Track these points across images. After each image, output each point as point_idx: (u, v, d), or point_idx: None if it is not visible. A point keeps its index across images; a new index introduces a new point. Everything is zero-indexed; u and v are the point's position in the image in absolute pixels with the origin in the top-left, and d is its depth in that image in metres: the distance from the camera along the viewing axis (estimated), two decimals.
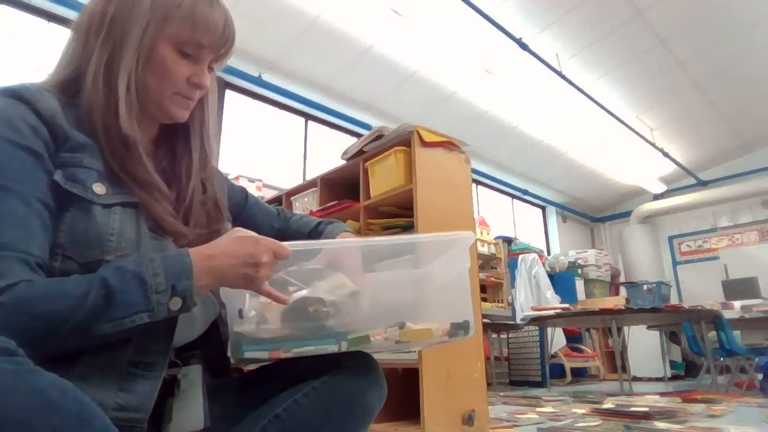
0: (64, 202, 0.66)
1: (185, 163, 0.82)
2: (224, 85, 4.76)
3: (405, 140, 2.13)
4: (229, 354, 0.76)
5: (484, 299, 5.76)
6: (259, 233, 0.71)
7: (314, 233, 1.00)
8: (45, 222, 0.64)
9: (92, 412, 0.50)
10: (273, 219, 1.04)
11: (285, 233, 1.02)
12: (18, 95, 0.66)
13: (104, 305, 0.59)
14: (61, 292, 0.59)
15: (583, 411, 2.82)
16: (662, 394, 3.78)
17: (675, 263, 8.40)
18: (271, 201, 3.15)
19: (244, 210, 1.00)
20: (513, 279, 5.93)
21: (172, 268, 0.64)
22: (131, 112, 0.72)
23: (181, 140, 0.84)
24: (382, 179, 2.22)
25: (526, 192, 7.96)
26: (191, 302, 0.64)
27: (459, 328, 0.82)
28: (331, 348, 0.75)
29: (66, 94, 0.72)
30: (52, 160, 0.66)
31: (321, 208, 2.53)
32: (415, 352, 1.86)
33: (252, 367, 0.87)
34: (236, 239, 0.68)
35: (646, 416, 2.45)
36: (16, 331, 0.50)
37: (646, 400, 3.41)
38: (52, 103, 0.68)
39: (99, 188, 0.68)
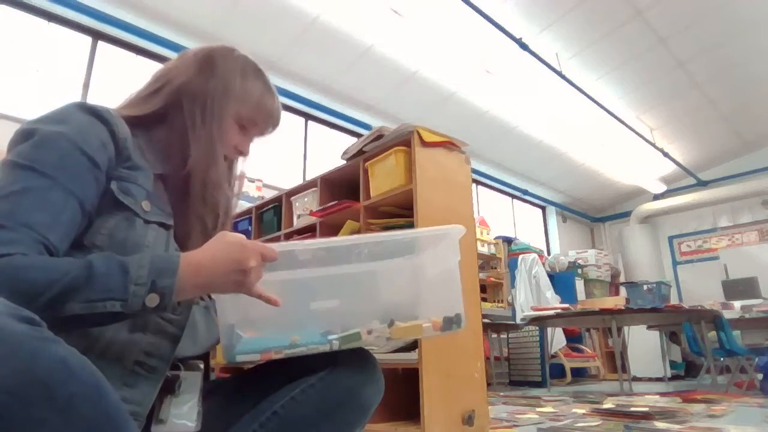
0: (112, 209, 0.72)
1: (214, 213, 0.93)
2: None
3: (405, 140, 2.13)
4: (220, 357, 0.77)
5: (484, 299, 5.76)
6: None
7: None
8: (75, 219, 0.68)
9: (107, 387, 0.52)
10: None
11: None
12: (101, 116, 0.74)
13: (82, 285, 0.60)
14: (48, 265, 0.61)
15: (583, 411, 2.82)
16: (662, 394, 3.78)
17: (675, 263, 8.40)
18: (271, 201, 3.15)
19: None
20: (513, 279, 5.93)
21: (158, 264, 0.65)
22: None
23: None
24: (382, 179, 2.22)
25: (526, 192, 7.97)
26: (169, 302, 0.64)
27: (452, 322, 0.83)
28: (323, 348, 0.76)
29: (136, 125, 0.81)
30: (109, 173, 0.73)
31: (321, 208, 2.53)
32: (414, 351, 1.86)
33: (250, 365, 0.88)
34: (224, 244, 0.68)
35: (646, 416, 2.45)
36: (1, 294, 0.52)
37: (646, 400, 3.41)
38: (126, 131, 0.77)
39: (146, 205, 0.76)
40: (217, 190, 0.86)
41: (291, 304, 0.75)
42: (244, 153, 0.94)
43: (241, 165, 1.01)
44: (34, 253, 0.62)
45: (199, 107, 0.85)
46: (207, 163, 0.84)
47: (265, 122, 0.93)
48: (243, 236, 0.70)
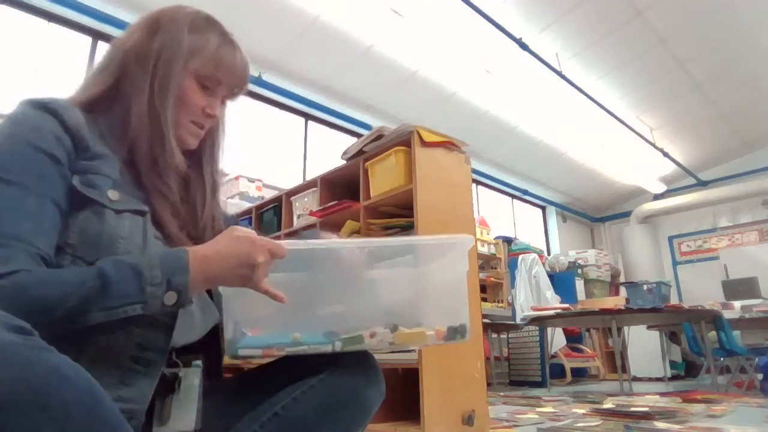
0: (79, 204, 0.69)
1: (200, 192, 0.88)
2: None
3: (405, 140, 2.13)
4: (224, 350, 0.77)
5: (484, 299, 5.76)
6: None
7: None
8: (55, 221, 0.67)
9: (102, 393, 0.52)
10: None
11: None
12: (48, 108, 0.71)
13: (99, 294, 0.60)
14: (58, 279, 0.61)
15: (583, 411, 2.82)
16: (662, 394, 3.78)
17: (675, 263, 8.40)
18: (271, 201, 3.15)
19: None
20: (513, 279, 5.93)
21: (169, 263, 0.65)
22: (175, 141, 0.80)
23: (194, 170, 0.89)
24: (382, 179, 2.22)
25: (526, 192, 7.97)
26: (186, 298, 0.66)
27: (456, 332, 0.82)
28: (325, 348, 0.75)
29: (92, 110, 0.77)
30: (70, 167, 0.70)
31: (321, 208, 2.53)
32: (414, 352, 1.86)
33: (251, 364, 0.88)
34: (233, 239, 0.69)
35: (646, 416, 2.45)
36: (12, 313, 0.51)
37: (646, 400, 3.41)
38: (79, 119, 0.73)
39: (113, 194, 0.72)
40: (170, 157, 0.78)
41: (295, 305, 0.75)
42: (213, 116, 0.85)
43: (223, 144, 0.93)
44: (34, 266, 0.61)
45: (144, 70, 0.78)
46: (151, 128, 0.77)
47: (229, 78, 0.85)
48: (252, 231, 0.71)
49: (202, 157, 0.90)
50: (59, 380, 0.48)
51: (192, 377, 0.77)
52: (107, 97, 0.79)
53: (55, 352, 0.50)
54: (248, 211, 3.30)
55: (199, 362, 0.79)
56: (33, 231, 0.63)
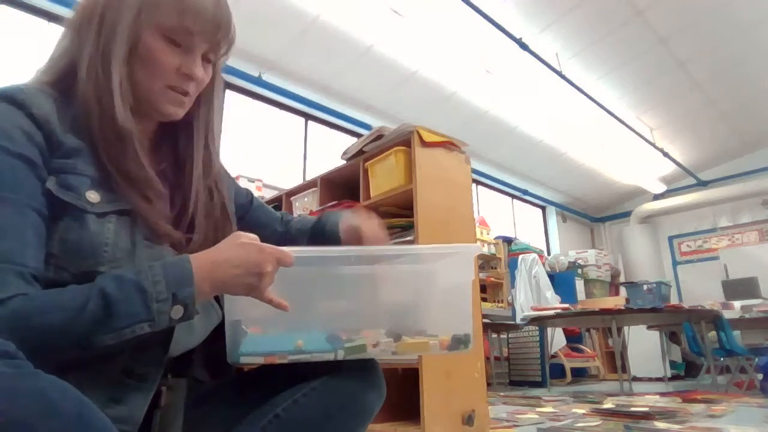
0: (57, 210, 0.64)
1: (188, 166, 0.79)
2: (224, 85, 4.75)
3: (405, 140, 2.13)
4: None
5: (484, 299, 5.76)
6: (261, 236, 0.69)
7: (317, 229, 0.98)
8: (40, 232, 0.62)
9: (92, 414, 0.49)
10: (276, 223, 1.01)
11: (286, 237, 1.00)
12: (13, 99, 0.64)
13: (104, 316, 0.57)
14: (58, 304, 0.57)
15: (583, 411, 2.82)
16: (662, 394, 3.78)
17: (675, 263, 8.40)
18: (271, 201, 3.15)
19: (248, 213, 0.97)
20: (513, 279, 5.93)
21: (173, 276, 0.61)
22: (125, 104, 0.69)
23: (183, 141, 0.80)
24: (382, 179, 2.22)
25: (526, 192, 7.96)
26: (193, 310, 0.62)
27: (459, 342, 0.82)
28: (328, 356, 0.75)
29: (60, 90, 0.70)
30: (45, 166, 0.64)
31: (321, 208, 2.53)
32: None
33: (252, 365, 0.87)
34: (239, 246, 0.66)
35: (646, 416, 2.45)
36: (15, 344, 0.49)
37: (646, 400, 3.41)
38: (47, 107, 0.66)
39: (93, 196, 0.66)
40: (116, 123, 0.68)
41: (298, 302, 0.74)
42: (191, 75, 0.73)
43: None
44: (29, 288, 0.57)
45: (90, 31, 0.69)
46: (96, 97, 0.67)
47: (200, 25, 0.71)
48: (257, 237, 0.68)
49: (193, 128, 0.80)
50: (45, 409, 0.45)
51: (177, 387, 0.74)
52: (69, 74, 0.70)
53: (41, 375, 0.47)
54: None
55: (188, 369, 0.77)
56: (18, 248, 0.58)
